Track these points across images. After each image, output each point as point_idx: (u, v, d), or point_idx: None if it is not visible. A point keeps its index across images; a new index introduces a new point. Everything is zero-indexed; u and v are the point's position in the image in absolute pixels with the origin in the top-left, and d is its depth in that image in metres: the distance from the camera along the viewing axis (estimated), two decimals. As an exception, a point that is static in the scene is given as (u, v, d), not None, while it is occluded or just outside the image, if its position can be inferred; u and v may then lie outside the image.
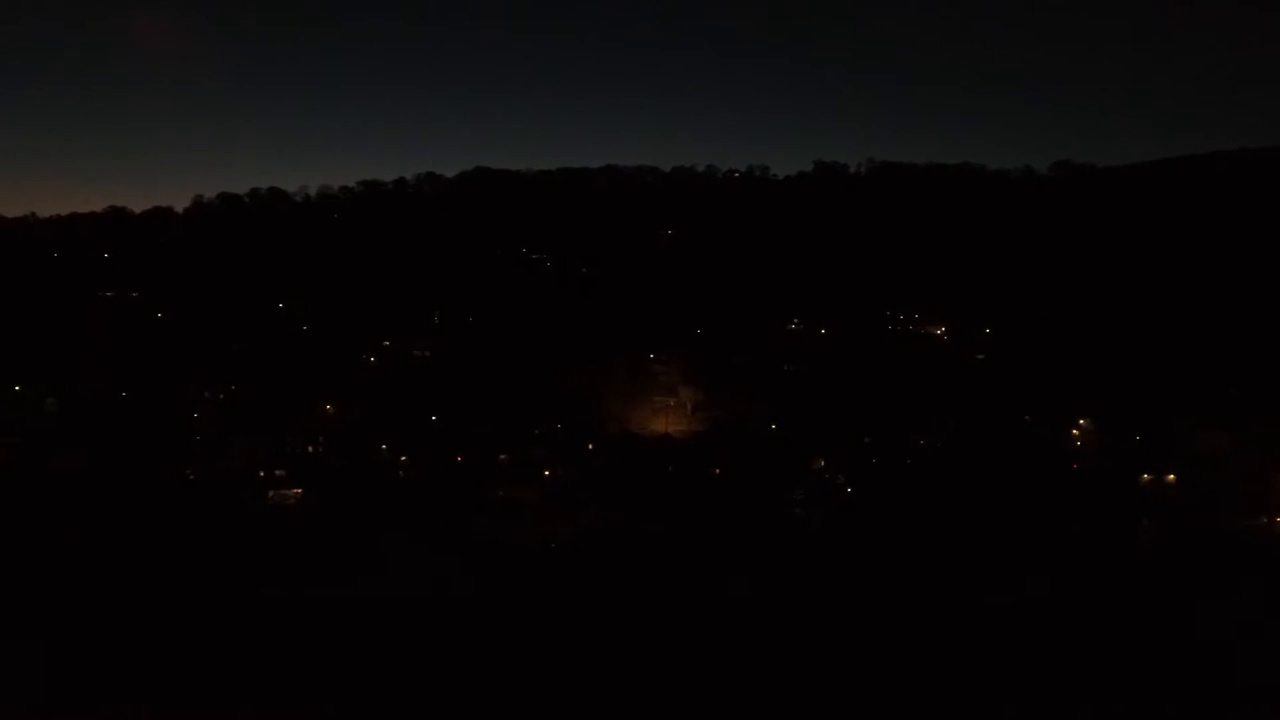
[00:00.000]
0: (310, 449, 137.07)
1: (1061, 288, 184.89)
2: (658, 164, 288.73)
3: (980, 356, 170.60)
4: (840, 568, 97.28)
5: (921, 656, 73.37)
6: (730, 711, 65.10)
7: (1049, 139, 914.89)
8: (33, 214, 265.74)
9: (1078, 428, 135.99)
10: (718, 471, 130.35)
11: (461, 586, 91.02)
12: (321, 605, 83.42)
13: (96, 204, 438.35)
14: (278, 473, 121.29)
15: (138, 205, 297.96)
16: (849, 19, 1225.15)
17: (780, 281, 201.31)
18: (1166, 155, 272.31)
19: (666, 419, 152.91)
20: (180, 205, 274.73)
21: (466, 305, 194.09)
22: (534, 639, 78.59)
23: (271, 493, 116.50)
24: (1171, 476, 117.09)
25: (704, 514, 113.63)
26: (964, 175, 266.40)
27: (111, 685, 66.41)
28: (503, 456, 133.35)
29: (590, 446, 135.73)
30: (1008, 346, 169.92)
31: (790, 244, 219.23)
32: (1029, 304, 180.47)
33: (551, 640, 78.58)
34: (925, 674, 70.09)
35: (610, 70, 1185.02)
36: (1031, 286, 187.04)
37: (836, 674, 70.43)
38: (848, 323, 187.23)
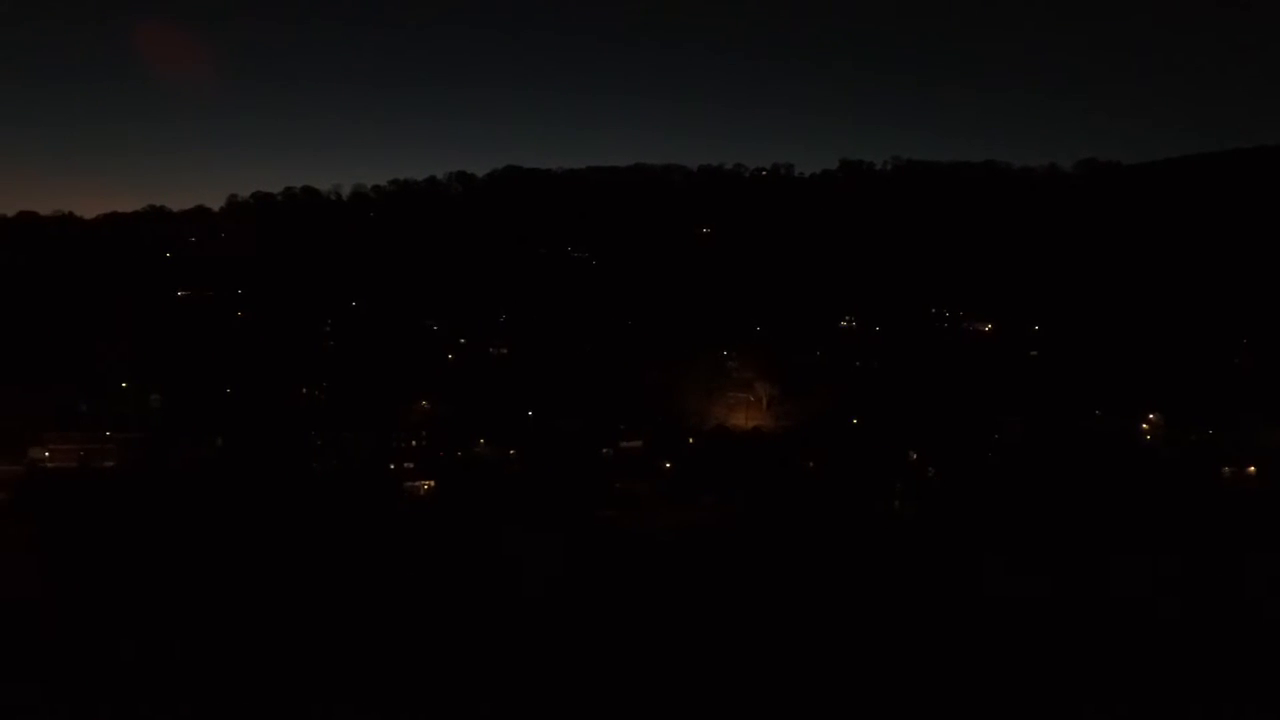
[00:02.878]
0: (414, 443, 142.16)
1: (1097, 285, 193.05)
2: (684, 163, 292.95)
3: (1034, 353, 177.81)
4: (946, 560, 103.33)
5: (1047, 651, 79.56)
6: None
7: (1073, 137, 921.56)
8: (70, 212, 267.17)
9: (1148, 422, 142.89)
10: (811, 465, 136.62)
11: (608, 576, 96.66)
12: (499, 600, 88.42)
13: (135, 203, 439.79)
14: (407, 465, 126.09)
15: (172, 203, 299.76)
16: (872, 19, 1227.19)
17: (825, 279, 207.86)
18: (1187, 153, 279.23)
19: (745, 414, 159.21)
20: (215, 204, 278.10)
21: (530, 303, 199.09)
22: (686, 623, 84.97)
23: (406, 485, 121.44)
24: (1252, 469, 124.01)
25: (810, 506, 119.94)
26: (989, 173, 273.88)
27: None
28: (605, 450, 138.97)
29: (691, 441, 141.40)
30: (1060, 343, 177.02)
31: (828, 243, 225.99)
32: (1071, 301, 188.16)
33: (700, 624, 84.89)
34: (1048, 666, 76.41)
35: (637, 70, 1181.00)
36: (1069, 284, 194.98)
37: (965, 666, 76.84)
38: (897, 320, 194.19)
